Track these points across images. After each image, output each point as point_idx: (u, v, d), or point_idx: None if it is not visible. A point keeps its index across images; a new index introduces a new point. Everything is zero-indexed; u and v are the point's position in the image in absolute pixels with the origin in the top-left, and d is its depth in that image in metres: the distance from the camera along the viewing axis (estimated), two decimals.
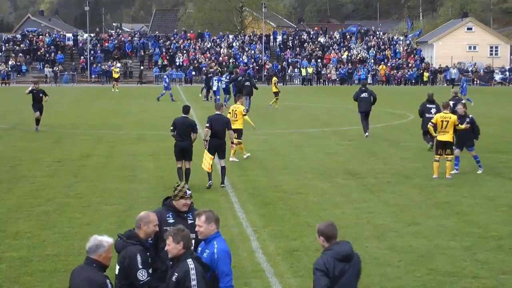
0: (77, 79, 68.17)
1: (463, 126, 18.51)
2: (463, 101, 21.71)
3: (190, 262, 6.63)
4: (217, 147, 17.13)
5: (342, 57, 73.51)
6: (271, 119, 33.44)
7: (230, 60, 70.11)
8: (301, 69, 68.98)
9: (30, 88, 28.49)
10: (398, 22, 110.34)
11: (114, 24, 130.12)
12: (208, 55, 71.88)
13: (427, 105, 23.18)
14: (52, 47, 71.70)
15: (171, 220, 7.94)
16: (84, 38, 73.91)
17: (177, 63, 69.15)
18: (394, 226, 13.48)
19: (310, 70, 68.85)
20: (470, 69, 72.81)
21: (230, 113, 21.36)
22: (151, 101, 44.96)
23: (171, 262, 6.87)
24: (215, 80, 42.09)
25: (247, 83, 38.01)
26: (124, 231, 7.55)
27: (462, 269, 10.92)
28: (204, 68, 65.04)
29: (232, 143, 17.85)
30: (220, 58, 70.70)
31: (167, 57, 70.76)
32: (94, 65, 69.50)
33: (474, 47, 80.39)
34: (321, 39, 77.71)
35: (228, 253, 7.10)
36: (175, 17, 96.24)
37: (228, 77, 42.97)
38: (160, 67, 69.47)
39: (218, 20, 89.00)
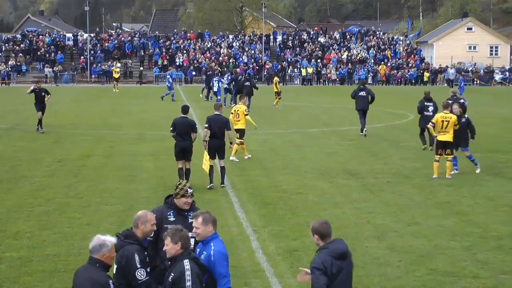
0: (77, 79, 68.17)
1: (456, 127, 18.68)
2: (462, 101, 21.75)
3: (186, 262, 6.62)
4: (217, 147, 17.13)
5: (342, 57, 73.52)
6: (271, 119, 33.44)
7: (230, 60, 70.12)
8: (301, 69, 69.00)
9: (31, 88, 28.35)
10: (398, 22, 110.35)
11: (114, 24, 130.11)
12: (208, 55, 71.87)
13: (425, 103, 23.40)
14: (52, 47, 71.70)
15: (172, 218, 7.96)
16: (84, 38, 73.91)
17: (177, 63, 69.13)
18: (394, 226, 13.48)
19: (310, 70, 68.87)
20: (470, 69, 72.81)
21: (232, 113, 21.40)
22: (151, 101, 44.97)
23: (169, 262, 6.88)
24: (215, 80, 42.13)
25: (247, 83, 38.10)
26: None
27: (462, 269, 10.92)
28: (204, 68, 65.13)
29: (231, 143, 17.80)
30: (220, 58, 70.70)
31: (167, 57, 70.75)
32: (94, 65, 69.51)
33: (474, 47, 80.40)
34: (321, 39, 77.73)
35: (225, 254, 7.09)
36: (175, 17, 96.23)
37: (229, 78, 43.03)
38: (160, 67, 69.51)
39: (218, 20, 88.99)
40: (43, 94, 28.08)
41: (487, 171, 19.43)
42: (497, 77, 71.59)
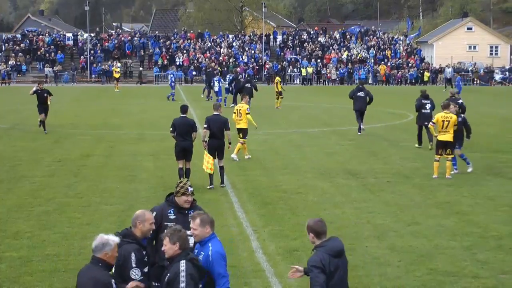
0: (77, 79, 68.16)
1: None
2: (460, 101, 21.79)
3: (182, 263, 6.62)
4: (216, 147, 17.14)
5: (342, 57, 73.51)
6: (271, 119, 33.43)
7: (230, 60, 70.12)
8: (301, 69, 68.99)
9: (34, 89, 27.99)
10: (398, 22, 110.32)
11: (114, 24, 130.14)
12: (208, 55, 71.88)
13: (423, 101, 23.68)
14: (52, 47, 71.70)
15: (172, 216, 7.98)
16: (84, 38, 73.90)
17: (177, 63, 69.13)
18: (394, 226, 13.48)
19: (310, 70, 68.87)
20: (470, 69, 72.81)
21: (235, 112, 21.57)
22: (151, 101, 44.98)
23: (168, 262, 6.89)
24: (216, 80, 42.18)
25: (248, 84, 38.21)
26: None
27: (462, 269, 10.93)
28: (203, 68, 65.15)
29: (229, 143, 17.74)
30: (220, 58, 70.70)
31: (167, 57, 70.75)
32: (94, 65, 69.50)
33: (474, 47, 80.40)
34: (321, 39, 77.72)
35: (223, 255, 7.10)
36: (175, 17, 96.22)
37: (230, 78, 43.10)
38: (160, 67, 69.51)
39: (218, 20, 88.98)
40: (45, 95, 27.84)
41: (487, 171, 19.44)
42: (497, 77, 71.59)
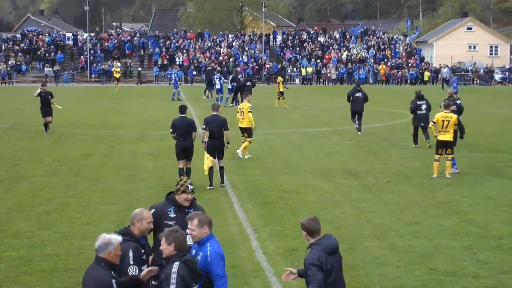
0: (77, 79, 68.16)
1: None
2: (458, 101, 21.82)
3: (175, 265, 6.63)
4: (216, 148, 17.13)
5: (342, 56, 73.51)
6: (271, 119, 33.44)
7: (230, 60, 70.11)
8: (301, 68, 68.99)
9: (38, 91, 27.84)
10: (398, 22, 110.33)
11: (114, 23, 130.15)
12: (208, 54, 71.88)
13: (418, 102, 23.74)
14: (52, 46, 71.69)
15: (172, 215, 8.00)
16: (84, 38, 73.90)
17: (177, 63, 69.12)
18: (394, 226, 13.48)
19: (310, 69, 68.86)
20: (470, 68, 72.80)
21: (238, 112, 21.77)
22: (151, 101, 44.98)
23: (165, 262, 6.89)
24: (217, 78, 42.23)
25: (248, 83, 38.30)
26: None
27: (462, 268, 10.92)
28: (203, 67, 65.15)
29: (228, 143, 17.67)
30: (220, 58, 70.70)
31: (167, 57, 70.75)
32: (94, 65, 69.50)
33: (474, 47, 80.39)
34: (321, 39, 77.72)
35: (222, 255, 7.08)
36: (175, 17, 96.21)
37: (231, 78, 43.18)
38: (160, 67, 69.51)
39: (218, 19, 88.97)
40: (49, 97, 27.69)
41: (487, 171, 19.44)
42: (497, 76, 71.59)
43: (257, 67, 69.92)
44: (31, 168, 19.72)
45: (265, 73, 69.15)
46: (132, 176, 18.60)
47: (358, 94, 27.29)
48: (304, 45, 75.97)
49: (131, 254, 7.05)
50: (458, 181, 17.93)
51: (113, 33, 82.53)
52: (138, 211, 7.44)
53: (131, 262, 7.02)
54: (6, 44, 72.18)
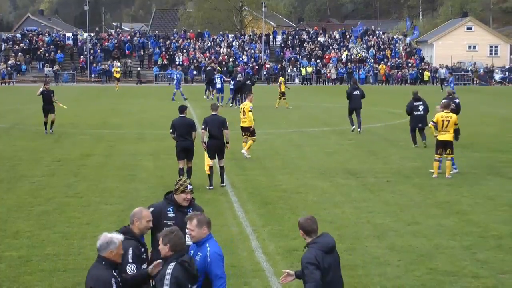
0: (77, 79, 68.17)
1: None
2: (457, 101, 21.84)
3: (170, 266, 6.62)
4: (216, 148, 17.12)
5: (342, 56, 73.50)
6: (271, 118, 33.43)
7: (230, 60, 70.11)
8: (301, 68, 69.00)
9: (40, 90, 27.76)
10: (398, 22, 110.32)
11: (114, 23, 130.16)
12: (208, 54, 71.88)
13: (414, 103, 23.79)
14: (52, 46, 71.69)
15: (171, 214, 8.00)
16: (84, 38, 73.89)
17: (177, 63, 69.10)
18: (394, 226, 13.47)
19: (309, 69, 68.87)
20: (470, 68, 72.79)
21: (240, 111, 21.87)
22: (151, 101, 44.99)
23: (163, 262, 6.90)
24: (217, 77, 42.25)
25: (248, 82, 38.34)
26: None
27: (462, 268, 10.92)
28: (203, 67, 65.14)
29: (227, 143, 17.65)
30: (220, 58, 70.69)
31: (167, 57, 70.75)
32: (94, 65, 69.50)
33: (474, 47, 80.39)
34: (321, 39, 77.72)
35: (221, 255, 7.07)
36: (175, 17, 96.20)
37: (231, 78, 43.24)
38: (159, 67, 69.51)
39: (218, 19, 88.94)
40: (51, 95, 27.63)
41: (487, 170, 19.44)
42: (497, 76, 71.59)
43: (257, 67, 69.91)
44: (31, 168, 19.72)
45: (265, 73, 69.14)
46: (132, 176, 18.60)
47: (356, 92, 27.72)
48: (304, 45, 75.97)
49: (130, 252, 7.07)
50: (458, 181, 17.93)
51: (113, 33, 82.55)
52: (137, 210, 7.48)
53: (130, 260, 7.04)
54: (6, 44, 72.18)
